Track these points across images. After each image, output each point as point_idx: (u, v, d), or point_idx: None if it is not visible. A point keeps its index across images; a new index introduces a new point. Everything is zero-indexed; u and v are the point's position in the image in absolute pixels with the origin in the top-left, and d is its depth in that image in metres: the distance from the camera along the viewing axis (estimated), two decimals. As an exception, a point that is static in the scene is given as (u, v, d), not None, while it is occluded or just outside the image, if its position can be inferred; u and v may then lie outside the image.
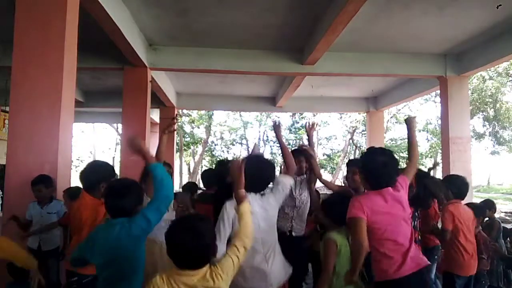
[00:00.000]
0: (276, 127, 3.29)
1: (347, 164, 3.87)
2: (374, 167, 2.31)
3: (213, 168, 7.07)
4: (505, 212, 15.11)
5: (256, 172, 2.55)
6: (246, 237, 1.99)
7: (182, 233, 1.73)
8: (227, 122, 24.67)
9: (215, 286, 1.73)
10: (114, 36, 5.53)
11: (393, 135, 22.14)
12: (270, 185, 2.74)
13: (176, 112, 11.59)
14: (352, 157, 23.11)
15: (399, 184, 2.40)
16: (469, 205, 3.69)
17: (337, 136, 24.47)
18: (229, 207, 2.44)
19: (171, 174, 3.64)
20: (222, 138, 25.06)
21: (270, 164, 2.74)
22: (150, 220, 2.05)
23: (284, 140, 3.48)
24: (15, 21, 3.60)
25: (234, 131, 24.93)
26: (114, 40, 5.68)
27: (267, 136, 24.80)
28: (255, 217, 2.42)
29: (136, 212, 2.12)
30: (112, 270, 2.10)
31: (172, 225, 1.80)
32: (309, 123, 3.36)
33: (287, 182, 2.76)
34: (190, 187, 5.25)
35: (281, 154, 3.21)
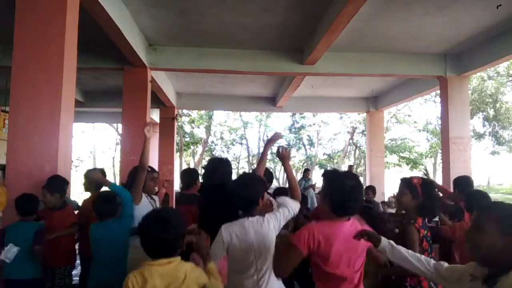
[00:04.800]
0: (284, 155, 2.96)
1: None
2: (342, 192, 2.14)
3: (192, 168, 7.05)
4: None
5: (245, 193, 2.49)
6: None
7: (153, 223, 1.86)
8: (227, 122, 24.67)
9: (186, 280, 1.84)
10: (114, 36, 5.53)
11: (393, 135, 22.14)
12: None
13: (176, 112, 11.59)
14: (352, 157, 23.15)
15: None
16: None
17: (337, 136, 24.45)
18: (225, 230, 2.42)
19: (158, 177, 3.86)
20: (222, 138, 25.07)
21: (258, 183, 2.63)
22: (132, 216, 3.15)
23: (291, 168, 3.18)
24: (15, 21, 3.61)
25: (234, 131, 24.93)
26: (114, 40, 5.68)
27: (267, 136, 24.80)
28: (250, 241, 2.40)
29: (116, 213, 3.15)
30: (114, 253, 3.02)
31: (144, 217, 1.93)
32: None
33: (296, 207, 2.66)
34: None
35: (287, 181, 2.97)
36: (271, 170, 3.60)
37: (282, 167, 3.10)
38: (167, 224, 1.85)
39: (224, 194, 2.69)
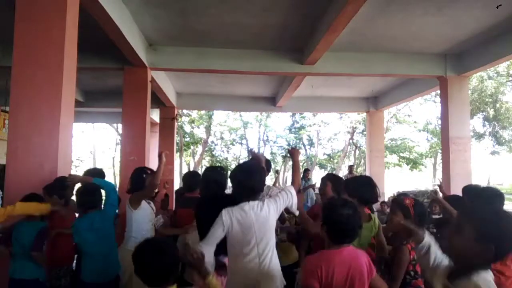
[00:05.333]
0: (295, 152, 3.14)
1: (321, 178, 3.78)
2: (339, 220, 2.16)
3: (195, 171, 7.03)
4: (505, 212, 15.10)
5: (252, 183, 2.55)
6: None
7: (148, 252, 1.89)
8: (227, 122, 24.66)
9: None
10: (114, 36, 5.53)
11: (393, 135, 22.13)
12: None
13: (176, 112, 11.60)
14: (352, 157, 23.15)
15: None
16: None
17: (337, 136, 24.45)
18: (225, 214, 2.48)
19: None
20: (222, 138, 25.05)
21: (258, 170, 2.70)
22: (115, 205, 3.36)
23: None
24: (15, 21, 3.60)
25: (234, 131, 24.91)
26: (114, 40, 5.68)
27: (267, 136, 24.83)
28: (251, 225, 2.47)
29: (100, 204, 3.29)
30: (101, 243, 3.14)
31: (138, 246, 1.94)
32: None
33: (292, 189, 2.74)
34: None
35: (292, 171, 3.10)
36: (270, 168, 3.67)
37: (291, 163, 3.23)
38: (163, 254, 1.88)
39: (220, 204, 2.72)
